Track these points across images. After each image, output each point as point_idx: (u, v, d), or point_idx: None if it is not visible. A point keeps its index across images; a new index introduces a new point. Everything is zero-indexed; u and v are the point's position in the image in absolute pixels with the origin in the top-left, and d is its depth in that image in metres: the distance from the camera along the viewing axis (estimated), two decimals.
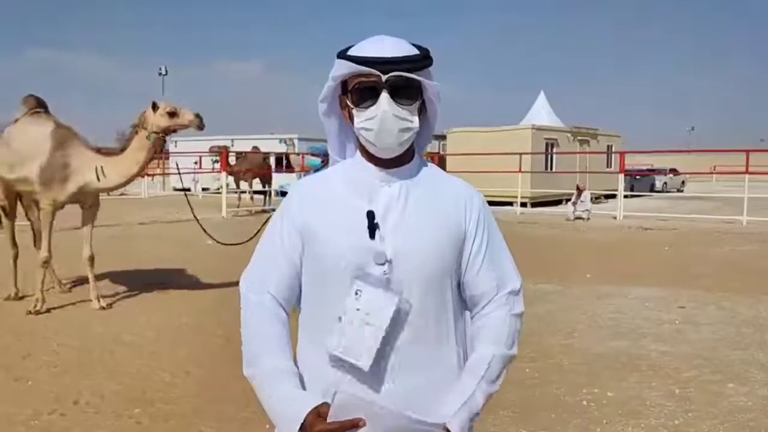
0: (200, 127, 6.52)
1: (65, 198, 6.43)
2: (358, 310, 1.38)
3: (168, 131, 6.40)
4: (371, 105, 1.41)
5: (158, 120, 6.28)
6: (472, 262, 1.52)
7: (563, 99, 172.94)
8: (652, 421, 3.87)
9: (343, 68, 1.44)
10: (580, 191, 17.66)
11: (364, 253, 1.42)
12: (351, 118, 1.48)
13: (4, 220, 7.04)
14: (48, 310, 6.43)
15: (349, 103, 1.47)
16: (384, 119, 1.40)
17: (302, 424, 1.32)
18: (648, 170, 35.71)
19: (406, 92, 1.42)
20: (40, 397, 4.19)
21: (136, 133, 6.37)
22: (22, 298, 6.87)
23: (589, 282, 8.28)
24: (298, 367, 1.46)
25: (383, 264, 1.42)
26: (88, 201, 6.68)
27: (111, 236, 11.40)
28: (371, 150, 1.47)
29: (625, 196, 18.65)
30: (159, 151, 6.55)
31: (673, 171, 35.87)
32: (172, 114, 6.30)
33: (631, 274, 8.79)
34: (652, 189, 30.95)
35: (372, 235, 1.42)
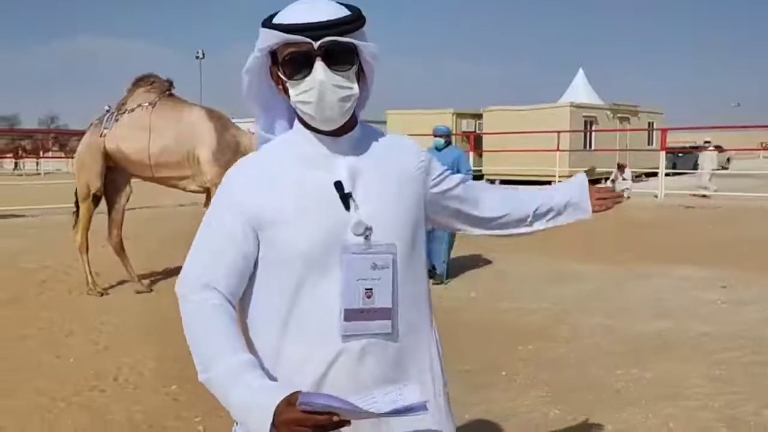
0: None
1: None
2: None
3: None
4: (306, 75, 1.32)
5: None
6: (461, 192, 1.60)
7: (603, 76, 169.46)
8: (692, 403, 3.78)
9: (269, 38, 1.33)
10: (621, 168, 17.31)
11: (341, 226, 1.36)
12: (286, 91, 1.38)
13: (86, 211, 6.68)
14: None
15: (281, 76, 1.37)
16: (322, 90, 1.32)
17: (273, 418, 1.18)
18: (691, 147, 34.79)
19: (342, 57, 1.34)
20: (81, 374, 4.30)
21: None
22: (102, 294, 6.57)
23: (629, 261, 8.11)
24: (266, 366, 1.36)
25: (362, 234, 1.36)
26: None
27: (147, 218, 11.63)
28: (312, 123, 1.39)
29: (667, 174, 18.20)
30: None
31: (718, 148, 34.82)
32: None
33: (672, 253, 8.58)
34: (695, 167, 30.12)
35: (347, 206, 1.37)
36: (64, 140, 31.59)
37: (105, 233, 6.92)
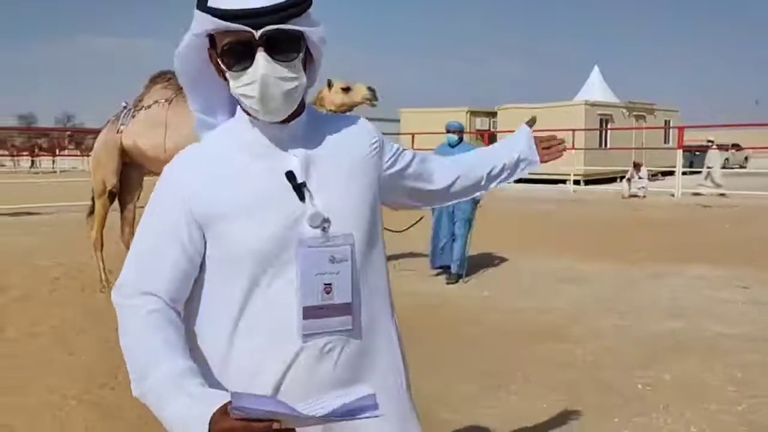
0: (373, 102, 6.55)
1: None
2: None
3: (344, 108, 6.49)
4: (247, 67, 1.20)
5: (333, 97, 6.47)
6: (415, 169, 1.53)
7: (619, 73, 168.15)
8: (712, 406, 3.68)
9: (205, 24, 1.20)
10: (637, 167, 17.18)
11: (296, 219, 1.27)
12: (227, 80, 1.27)
13: (101, 207, 6.68)
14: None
15: (221, 65, 1.25)
16: (264, 84, 1.20)
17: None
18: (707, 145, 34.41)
19: (287, 45, 1.21)
20: (92, 372, 4.28)
21: None
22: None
23: (644, 261, 7.99)
24: (215, 375, 1.29)
25: (319, 226, 1.27)
26: None
27: None
28: (257, 116, 1.28)
29: (684, 173, 18.01)
30: None
31: (736, 146, 34.42)
32: (346, 90, 6.44)
33: (689, 252, 8.46)
34: None
35: (302, 197, 1.28)
36: (80, 138, 31.89)
37: (118, 231, 6.91)
